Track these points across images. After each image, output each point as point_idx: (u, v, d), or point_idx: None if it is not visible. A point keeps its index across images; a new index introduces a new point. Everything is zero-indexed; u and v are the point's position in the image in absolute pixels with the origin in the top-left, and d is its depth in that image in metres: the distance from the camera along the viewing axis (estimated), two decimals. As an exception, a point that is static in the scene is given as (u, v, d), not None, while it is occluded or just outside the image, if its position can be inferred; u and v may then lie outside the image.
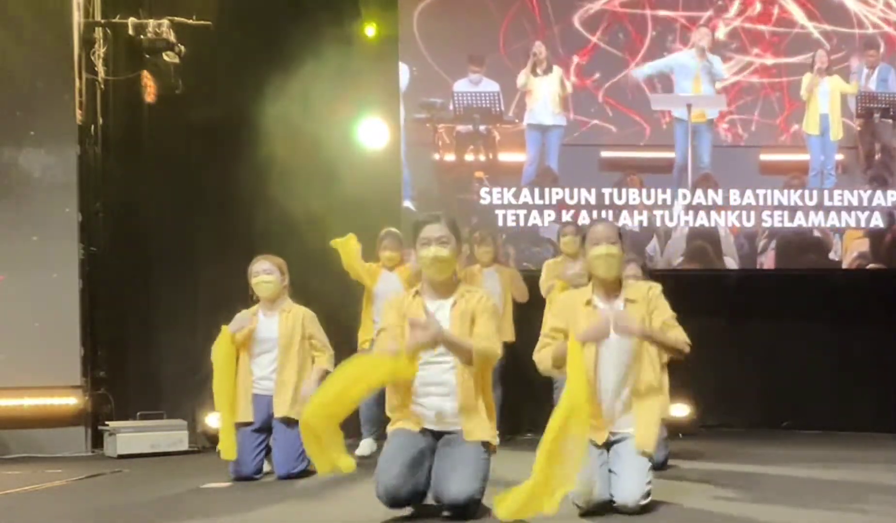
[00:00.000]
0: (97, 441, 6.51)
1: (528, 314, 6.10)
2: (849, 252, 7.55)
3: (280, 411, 4.66)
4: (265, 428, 4.70)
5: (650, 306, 3.43)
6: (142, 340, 7.13)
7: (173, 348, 7.13)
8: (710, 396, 7.34)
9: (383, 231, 5.86)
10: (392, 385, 3.33)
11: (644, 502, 3.26)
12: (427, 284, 3.40)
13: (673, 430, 7.04)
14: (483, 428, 3.29)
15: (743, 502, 3.44)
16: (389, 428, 3.42)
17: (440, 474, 3.20)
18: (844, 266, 7.53)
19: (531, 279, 6.14)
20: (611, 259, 3.38)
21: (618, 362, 3.39)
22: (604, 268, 3.40)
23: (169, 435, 6.26)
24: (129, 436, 6.08)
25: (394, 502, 3.18)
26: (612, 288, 3.46)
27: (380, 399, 5.71)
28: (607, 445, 3.40)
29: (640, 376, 3.39)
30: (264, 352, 4.76)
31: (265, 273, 4.79)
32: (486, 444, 3.30)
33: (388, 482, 3.16)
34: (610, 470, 3.36)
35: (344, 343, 5.64)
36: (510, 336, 6.39)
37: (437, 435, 3.33)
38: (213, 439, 6.72)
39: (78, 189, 6.60)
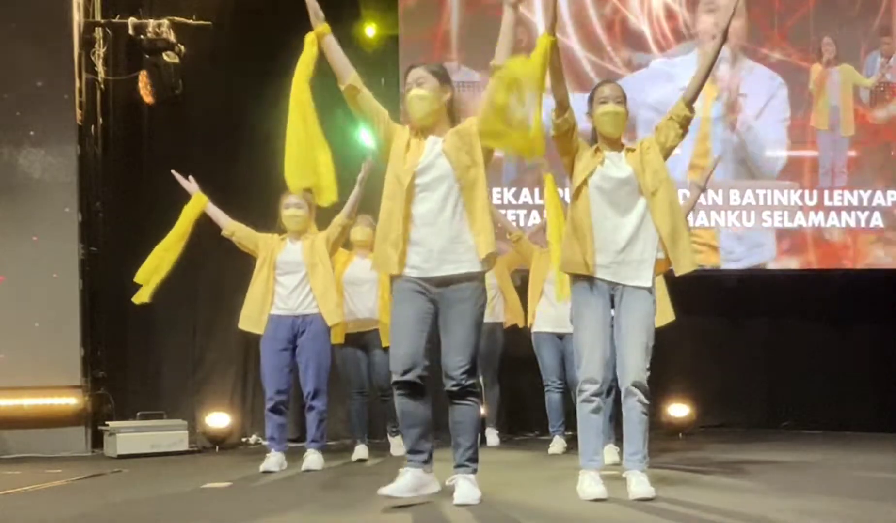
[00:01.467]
0: (97, 441, 6.51)
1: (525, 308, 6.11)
2: (860, 253, 7.46)
3: (331, 320, 5.04)
4: (289, 348, 5.02)
5: (649, 148, 3.59)
6: (142, 340, 7.13)
7: (173, 348, 7.13)
8: (710, 396, 7.35)
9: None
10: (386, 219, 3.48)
11: (646, 376, 3.47)
12: (420, 128, 3.54)
13: (673, 430, 7.07)
14: (473, 259, 3.40)
15: (743, 503, 3.44)
16: (394, 275, 3.48)
17: (442, 348, 3.43)
18: (858, 266, 7.44)
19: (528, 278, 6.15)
20: (617, 117, 3.56)
21: (616, 200, 3.52)
22: (611, 125, 3.57)
23: (169, 435, 6.25)
24: (129, 436, 6.08)
25: (405, 373, 3.37)
26: (616, 147, 3.62)
27: (370, 406, 5.77)
28: (612, 289, 3.53)
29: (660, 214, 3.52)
30: (288, 273, 5.04)
31: (296, 207, 5.07)
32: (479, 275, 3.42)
33: (398, 366, 3.39)
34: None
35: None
36: (518, 320, 6.36)
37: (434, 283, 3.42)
38: (213, 439, 6.74)
39: (78, 189, 6.60)
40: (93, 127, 6.89)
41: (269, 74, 6.83)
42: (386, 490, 3.36)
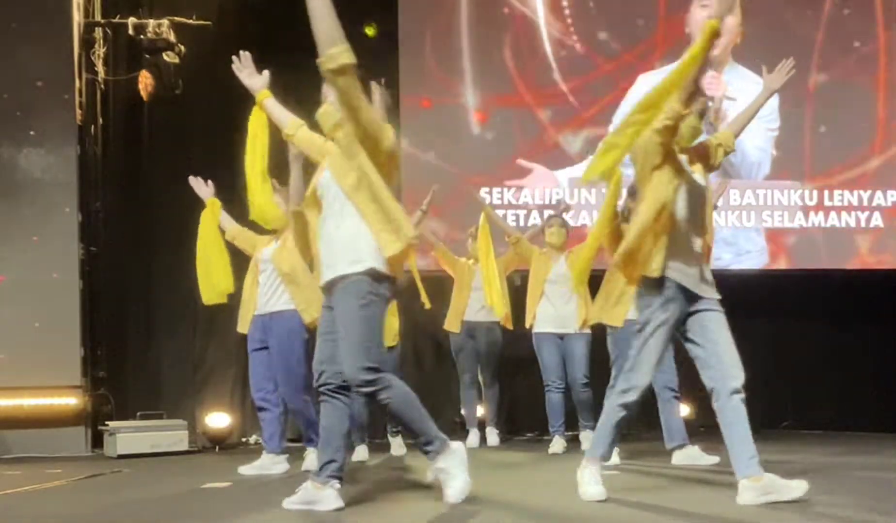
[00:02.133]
0: (97, 441, 6.52)
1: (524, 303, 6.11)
2: (860, 253, 7.45)
3: (307, 316, 4.89)
4: (265, 347, 5.01)
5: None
6: (142, 340, 7.13)
7: (173, 348, 7.13)
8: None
9: None
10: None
11: None
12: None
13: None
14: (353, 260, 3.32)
15: (742, 502, 3.43)
16: None
17: None
18: (858, 267, 7.44)
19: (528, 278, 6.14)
20: (696, 132, 3.65)
21: (696, 207, 3.55)
22: (689, 139, 3.63)
23: (169, 435, 6.25)
24: (129, 436, 6.08)
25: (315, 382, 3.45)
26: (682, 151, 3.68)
27: (370, 404, 5.73)
28: (689, 299, 3.52)
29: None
30: (264, 272, 5.03)
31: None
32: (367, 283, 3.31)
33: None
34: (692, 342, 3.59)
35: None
36: (507, 322, 6.39)
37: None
38: (213, 439, 6.73)
39: (78, 189, 6.60)
40: (93, 127, 6.89)
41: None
42: (287, 501, 3.39)
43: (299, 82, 5.66)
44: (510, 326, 6.38)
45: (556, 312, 5.84)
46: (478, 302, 6.40)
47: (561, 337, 5.85)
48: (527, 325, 6.00)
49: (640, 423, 7.34)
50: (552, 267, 5.89)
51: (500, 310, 6.18)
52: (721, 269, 7.39)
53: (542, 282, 5.89)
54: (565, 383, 5.87)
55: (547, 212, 7.04)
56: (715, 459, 4.82)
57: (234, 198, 6.10)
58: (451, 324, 6.52)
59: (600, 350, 6.05)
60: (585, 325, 5.85)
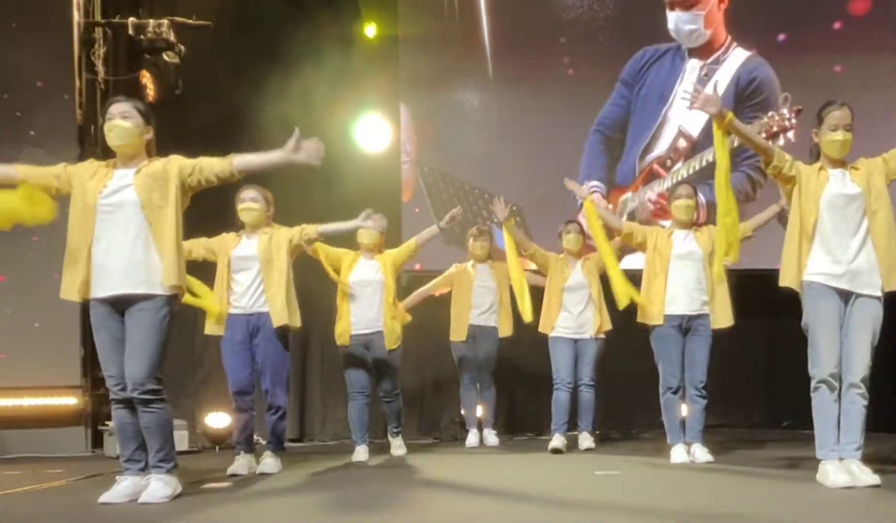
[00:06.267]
0: (97, 441, 6.51)
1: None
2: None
3: (277, 321, 4.80)
4: (248, 346, 4.89)
5: (873, 172, 3.86)
6: (141, 340, 7.11)
7: (173, 348, 7.07)
8: (710, 396, 7.34)
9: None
10: None
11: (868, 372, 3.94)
12: (117, 157, 3.92)
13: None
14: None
15: (743, 503, 3.44)
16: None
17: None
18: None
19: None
20: (845, 145, 3.87)
21: (847, 215, 3.81)
22: (838, 152, 3.88)
23: (169, 436, 6.23)
24: (128, 436, 6.06)
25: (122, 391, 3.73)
26: (838, 165, 3.91)
27: (371, 405, 5.73)
28: (846, 297, 3.88)
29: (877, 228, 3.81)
30: (243, 269, 4.90)
31: (251, 200, 4.96)
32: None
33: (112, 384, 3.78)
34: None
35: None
36: (508, 330, 6.41)
37: None
38: (213, 439, 6.73)
39: (78, 189, 6.58)
40: (93, 127, 6.89)
41: (268, 74, 6.84)
42: (104, 497, 3.62)
43: (300, 82, 5.71)
44: (509, 333, 6.40)
45: (574, 319, 5.88)
46: (479, 306, 6.40)
47: (576, 341, 5.89)
48: (541, 330, 5.95)
49: (641, 423, 7.36)
50: (570, 275, 5.89)
51: (528, 314, 6.00)
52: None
53: (559, 290, 5.89)
54: (574, 384, 5.89)
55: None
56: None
57: (234, 200, 6.11)
58: (457, 333, 6.47)
59: (607, 353, 6.06)
60: (600, 332, 5.88)
